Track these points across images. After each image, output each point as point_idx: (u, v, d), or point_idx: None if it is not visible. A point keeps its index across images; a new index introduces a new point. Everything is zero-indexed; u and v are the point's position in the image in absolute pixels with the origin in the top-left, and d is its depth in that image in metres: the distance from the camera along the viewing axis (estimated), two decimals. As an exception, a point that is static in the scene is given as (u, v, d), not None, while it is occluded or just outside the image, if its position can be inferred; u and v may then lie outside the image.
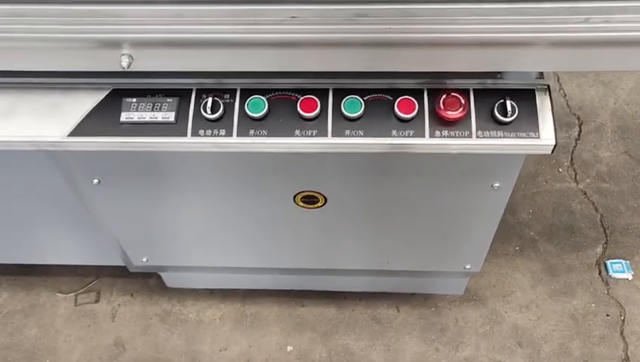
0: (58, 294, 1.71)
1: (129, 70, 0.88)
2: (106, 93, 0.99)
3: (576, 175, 1.87)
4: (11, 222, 1.40)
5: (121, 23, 0.83)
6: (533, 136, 0.93)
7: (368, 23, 0.80)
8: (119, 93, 0.98)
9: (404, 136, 0.93)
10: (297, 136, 0.94)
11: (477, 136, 0.93)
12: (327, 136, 0.94)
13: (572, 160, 1.91)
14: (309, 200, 1.14)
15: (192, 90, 0.98)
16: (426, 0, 0.77)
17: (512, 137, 0.93)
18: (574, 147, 1.93)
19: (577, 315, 1.61)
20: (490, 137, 0.93)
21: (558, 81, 2.06)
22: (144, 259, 1.39)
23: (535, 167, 1.89)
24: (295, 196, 1.13)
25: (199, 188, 1.14)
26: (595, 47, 0.84)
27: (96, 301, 1.70)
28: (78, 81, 0.99)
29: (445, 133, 0.93)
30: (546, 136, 0.93)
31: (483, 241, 1.24)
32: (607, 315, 1.61)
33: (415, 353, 1.58)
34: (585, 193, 1.84)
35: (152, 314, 1.67)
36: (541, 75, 0.95)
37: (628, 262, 1.69)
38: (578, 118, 2.00)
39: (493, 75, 0.94)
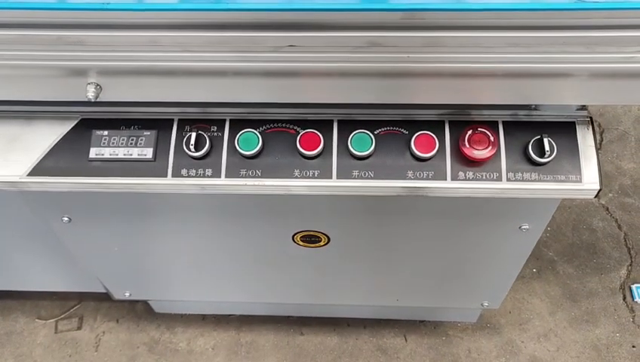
0: (37, 320, 1.58)
1: (97, 101, 0.74)
2: (74, 123, 0.85)
3: (597, 193, 1.73)
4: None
5: (86, 50, 0.69)
6: (574, 179, 0.79)
7: (383, 52, 0.66)
8: (88, 123, 0.84)
9: (422, 179, 0.80)
10: (297, 177, 0.80)
11: (508, 179, 0.79)
12: (331, 178, 0.80)
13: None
14: (310, 239, 1.00)
15: (173, 120, 0.84)
16: (452, 27, 0.63)
17: (549, 180, 0.79)
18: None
19: (600, 346, 1.49)
20: (523, 180, 0.79)
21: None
22: (127, 294, 1.25)
23: (553, 179, 1.75)
24: (294, 235, 0.99)
25: (183, 228, 1.00)
26: None
27: (79, 327, 1.57)
28: (41, 110, 0.85)
29: (470, 175, 0.79)
30: (589, 179, 0.80)
31: (505, 281, 1.11)
32: (634, 346, 1.48)
33: (424, 388, 1.45)
34: (607, 209, 1.70)
35: (139, 343, 1.54)
36: (583, 106, 0.81)
37: (654, 285, 1.56)
38: (599, 126, 1.86)
39: (527, 106, 0.80)
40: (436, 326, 1.53)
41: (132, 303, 1.59)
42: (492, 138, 0.78)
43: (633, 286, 1.56)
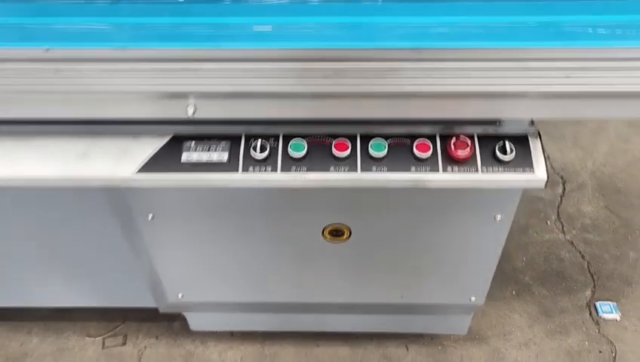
0: (87, 338, 1.82)
1: (190, 118, 1.07)
2: (169, 138, 1.17)
3: (563, 227, 2.06)
4: (47, 263, 1.54)
5: (188, 77, 1.03)
6: (529, 171, 1.12)
7: (395, 77, 1.00)
8: (179, 138, 1.17)
9: (421, 172, 1.12)
10: (332, 171, 1.12)
11: (482, 172, 1.11)
12: (357, 171, 1.12)
13: (558, 214, 2.10)
14: (336, 233, 1.30)
15: (241, 135, 1.16)
16: (440, 59, 0.98)
17: (512, 172, 1.12)
18: (560, 203, 2.13)
19: (573, 352, 1.75)
20: (493, 172, 1.12)
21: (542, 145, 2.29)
22: (180, 295, 1.52)
23: (526, 220, 2.08)
24: (324, 229, 1.29)
25: (242, 225, 1.30)
26: (576, 98, 1.05)
27: (123, 344, 1.80)
28: (143, 129, 1.18)
29: (455, 169, 1.12)
30: (540, 172, 1.12)
31: (486, 272, 1.40)
32: (600, 352, 1.75)
33: (424, 389, 1.69)
34: (572, 243, 2.02)
35: (176, 356, 1.77)
36: (532, 122, 1.15)
37: (615, 304, 1.84)
38: (562, 178, 2.22)
39: (493, 122, 1.15)
40: (433, 338, 1.79)
41: (170, 322, 1.83)
42: (469, 143, 1.12)
43: (597, 304, 1.85)
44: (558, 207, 2.12)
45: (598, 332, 1.79)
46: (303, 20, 1.06)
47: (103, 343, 1.81)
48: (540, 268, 1.95)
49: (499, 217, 1.25)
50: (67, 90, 1.05)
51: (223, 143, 1.15)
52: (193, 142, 1.16)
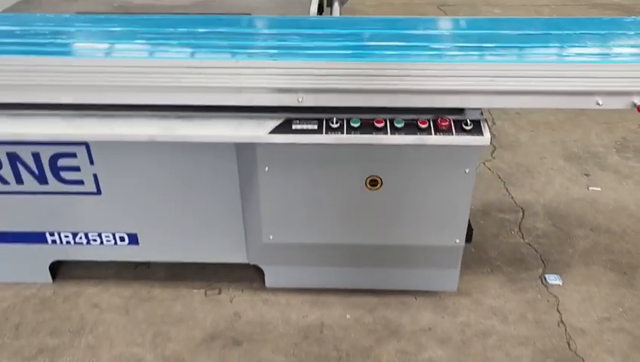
0: (193, 290, 2.61)
1: (298, 105, 2.05)
2: (283, 119, 2.14)
3: (522, 235, 2.93)
4: (175, 220, 2.41)
5: (298, 75, 2.03)
6: (480, 135, 2.07)
7: (403, 81, 2.00)
8: (289, 120, 2.13)
9: (423, 135, 2.07)
10: (374, 134, 2.07)
11: (455, 135, 2.07)
12: (387, 134, 2.08)
13: (520, 228, 2.98)
14: (373, 183, 2.22)
15: (323, 118, 2.13)
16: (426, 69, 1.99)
17: (471, 135, 2.07)
18: (520, 222, 3.03)
19: (530, 301, 2.54)
20: (461, 135, 2.07)
21: (505, 186, 3.25)
22: (271, 237, 2.37)
23: (497, 230, 2.96)
24: (366, 179, 2.21)
25: (322, 175, 2.21)
26: (507, 95, 2.03)
27: (219, 293, 2.60)
28: (271, 115, 2.14)
29: (440, 134, 2.07)
30: (485, 137, 2.07)
31: (463, 216, 2.28)
32: (548, 301, 2.54)
33: (429, 319, 2.46)
34: (529, 244, 2.88)
35: (256, 301, 2.56)
36: (482, 113, 2.13)
37: (558, 275, 2.67)
38: (522, 208, 3.13)
39: (461, 110, 2.12)
40: (433, 293, 2.58)
41: (250, 282, 2.63)
42: (449, 121, 2.08)
43: (546, 275, 2.67)
44: (519, 224, 3.01)
45: (547, 291, 2.60)
46: (355, 44, 2.08)
47: (205, 293, 2.60)
48: (507, 257, 2.79)
49: (467, 170, 2.17)
50: (241, 86, 2.04)
51: (314, 120, 2.12)
52: (298, 120, 2.13)
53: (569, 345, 2.34)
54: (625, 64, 2.01)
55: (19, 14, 2.60)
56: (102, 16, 2.47)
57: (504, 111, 4.03)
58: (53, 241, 2.51)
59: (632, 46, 2.15)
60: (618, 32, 2.27)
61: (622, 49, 2.13)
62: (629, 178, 3.39)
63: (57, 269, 2.67)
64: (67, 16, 2.48)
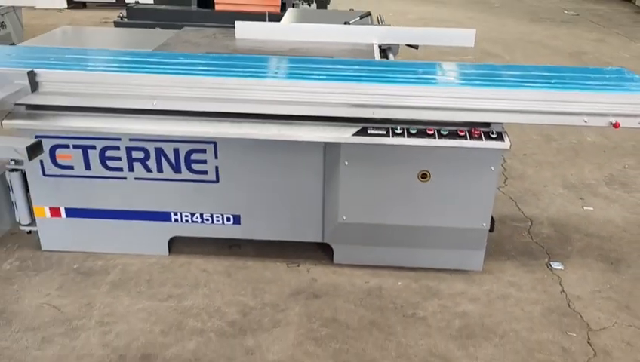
0: (277, 263, 3.37)
1: (371, 117, 2.91)
2: (360, 127, 2.98)
3: (531, 237, 3.72)
4: (270, 205, 3.22)
5: (371, 99, 2.90)
6: (502, 141, 2.92)
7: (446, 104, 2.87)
8: (365, 127, 2.98)
9: (462, 140, 2.91)
10: (427, 138, 2.92)
11: (484, 141, 2.91)
12: (436, 138, 2.92)
13: (529, 232, 3.77)
14: (424, 176, 3.04)
15: (389, 127, 2.98)
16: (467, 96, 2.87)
17: (495, 141, 2.91)
18: (529, 228, 3.82)
19: (539, 278, 3.29)
20: (488, 141, 2.91)
21: (517, 205, 4.06)
22: (344, 217, 3.16)
23: (511, 233, 3.74)
24: (418, 173, 3.03)
25: (386, 168, 3.04)
26: (521, 114, 2.89)
27: (298, 266, 3.36)
28: (349, 123, 2.99)
29: (474, 140, 2.92)
30: (507, 142, 2.92)
31: (488, 205, 3.09)
32: (553, 278, 3.30)
33: (461, 287, 3.20)
34: (537, 243, 3.66)
35: (328, 272, 3.31)
36: (502, 126, 2.98)
37: (560, 262, 3.44)
38: (530, 220, 3.93)
39: (487, 125, 2.97)
40: (463, 271, 3.34)
41: (320, 260, 3.39)
42: (479, 131, 2.93)
43: (551, 262, 3.44)
44: (529, 229, 3.80)
45: (552, 272, 3.36)
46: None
47: (287, 265, 3.36)
48: (520, 250, 3.57)
49: (492, 168, 3.00)
50: (334, 102, 2.90)
51: (383, 128, 2.97)
52: (371, 127, 2.97)
53: (569, 305, 3.09)
54: (603, 93, 2.87)
55: (173, 52, 3.51)
56: (225, 55, 3.39)
57: (513, 152, 4.89)
58: (175, 220, 3.31)
59: (608, 81, 3.04)
60: (598, 75, 3.16)
61: (601, 83, 3.01)
62: (615, 202, 4.21)
63: (170, 245, 3.44)
64: (200, 54, 3.40)
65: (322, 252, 3.42)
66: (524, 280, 3.29)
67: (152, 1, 6.53)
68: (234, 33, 3.93)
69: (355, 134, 2.94)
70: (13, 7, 5.89)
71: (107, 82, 2.89)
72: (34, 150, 2.06)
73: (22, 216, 3.32)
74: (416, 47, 3.90)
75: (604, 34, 9.97)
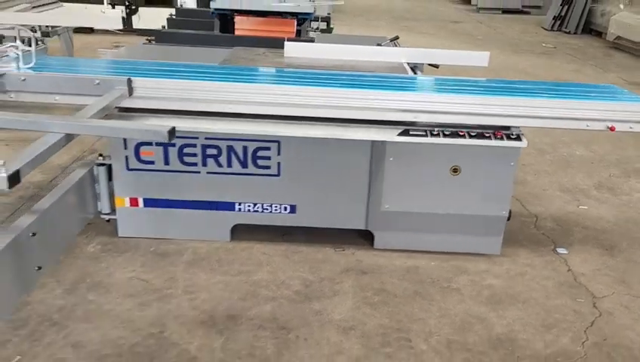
0: (326, 248, 3.91)
1: (413, 121, 3.51)
2: (403, 129, 3.57)
3: (538, 229, 4.33)
4: (322, 196, 3.78)
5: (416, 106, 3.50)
6: (521, 141, 3.54)
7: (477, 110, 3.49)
8: (407, 129, 3.57)
9: (488, 140, 3.52)
10: (458, 138, 3.52)
11: (506, 140, 3.53)
12: (466, 138, 3.52)
13: (535, 225, 4.38)
14: (455, 170, 3.63)
15: (427, 129, 3.58)
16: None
17: (515, 141, 3.53)
18: (535, 222, 4.43)
19: (548, 260, 3.89)
20: (509, 141, 3.53)
21: (522, 204, 4.68)
22: (387, 206, 3.73)
23: (520, 226, 4.35)
24: (451, 168, 3.62)
25: (427, 164, 3.62)
26: (535, 119, 3.53)
27: (343, 251, 3.89)
28: (394, 126, 3.58)
29: (497, 140, 3.53)
30: (524, 142, 3.54)
31: (508, 194, 3.69)
32: (560, 261, 3.90)
33: (485, 266, 3.77)
34: (543, 233, 4.27)
35: (370, 254, 3.85)
36: (520, 129, 3.60)
37: (564, 248, 4.05)
38: (535, 216, 4.54)
39: (508, 128, 3.59)
40: (483, 255, 3.92)
41: (362, 245, 3.94)
42: (501, 133, 3.55)
43: (557, 248, 4.05)
44: (535, 223, 4.41)
45: (558, 256, 3.96)
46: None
47: (334, 249, 3.90)
48: (530, 240, 4.17)
49: (512, 163, 3.62)
50: (383, 107, 3.49)
51: (423, 129, 3.56)
52: (413, 129, 3.57)
53: (575, 279, 3.68)
54: (601, 102, 3.53)
55: (241, 65, 4.08)
56: (280, 69, 3.97)
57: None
58: (239, 209, 3.83)
59: (603, 94, 3.70)
60: (595, 89, 3.83)
61: (599, 95, 3.67)
62: (605, 203, 4.87)
63: (231, 232, 3.95)
64: (262, 67, 3.98)
65: (362, 238, 3.97)
66: (536, 262, 3.88)
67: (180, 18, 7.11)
68: (278, 52, 4.52)
69: (400, 135, 3.53)
70: (67, 27, 6.41)
71: (193, 89, 3.44)
72: (172, 133, 2.58)
73: (103, 205, 3.80)
74: (437, 66, 4.53)
75: (579, 65, 10.87)
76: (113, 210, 3.84)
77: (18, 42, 3.47)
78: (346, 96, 3.46)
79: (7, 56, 3.43)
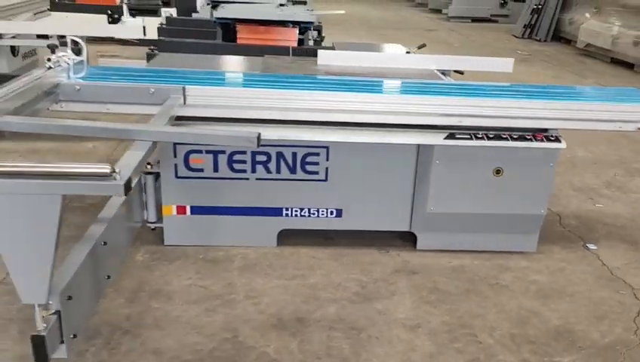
0: (371, 249, 3.99)
1: (458, 125, 3.64)
2: (448, 133, 3.70)
3: (564, 227, 4.52)
4: (368, 200, 3.87)
5: (463, 112, 3.64)
6: (559, 143, 3.71)
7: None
8: (452, 133, 3.70)
9: (530, 142, 3.69)
10: (501, 141, 3.67)
11: (546, 142, 3.70)
12: (508, 141, 3.68)
13: (560, 223, 4.58)
14: (498, 172, 3.78)
15: (471, 133, 3.72)
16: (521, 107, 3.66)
17: (554, 143, 3.70)
18: (559, 221, 4.63)
19: (581, 256, 4.07)
20: (548, 143, 3.70)
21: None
22: (432, 208, 3.84)
23: (548, 225, 4.53)
24: (494, 169, 3.77)
25: (471, 166, 3.75)
26: (572, 121, 3.71)
27: (387, 252, 3.99)
28: (440, 130, 3.71)
29: (538, 142, 3.70)
30: (563, 144, 3.72)
31: (547, 194, 3.86)
32: (592, 256, 4.09)
33: (525, 264, 3.93)
34: (570, 231, 4.47)
35: (414, 256, 3.95)
36: (558, 131, 3.78)
37: (593, 244, 4.25)
38: (558, 215, 4.74)
39: (546, 130, 3.76)
40: (520, 253, 4.08)
41: (404, 247, 4.04)
42: (541, 135, 3.72)
43: (587, 244, 4.25)
44: (559, 221, 4.61)
45: (589, 251, 4.15)
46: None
47: (379, 252, 3.99)
48: (560, 237, 4.35)
49: (551, 164, 3.79)
50: (426, 112, 3.61)
51: (467, 133, 3.70)
52: (458, 133, 3.70)
53: (612, 273, 3.88)
54: (632, 105, 3.74)
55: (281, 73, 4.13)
56: (321, 77, 4.06)
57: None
58: (287, 214, 3.88)
59: (632, 97, 3.92)
60: (623, 92, 4.05)
61: (628, 98, 3.89)
62: (617, 201, 5.11)
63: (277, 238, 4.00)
64: (301, 75, 4.05)
65: (402, 240, 4.07)
66: (570, 257, 4.06)
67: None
68: (306, 60, 4.60)
69: (446, 138, 3.66)
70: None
71: (244, 96, 3.50)
72: (259, 139, 2.64)
73: (150, 214, 3.80)
74: (462, 72, 4.69)
75: (557, 71, 11.28)
76: (159, 219, 3.84)
77: (69, 52, 3.46)
78: (393, 101, 3.59)
79: (59, 66, 3.41)
